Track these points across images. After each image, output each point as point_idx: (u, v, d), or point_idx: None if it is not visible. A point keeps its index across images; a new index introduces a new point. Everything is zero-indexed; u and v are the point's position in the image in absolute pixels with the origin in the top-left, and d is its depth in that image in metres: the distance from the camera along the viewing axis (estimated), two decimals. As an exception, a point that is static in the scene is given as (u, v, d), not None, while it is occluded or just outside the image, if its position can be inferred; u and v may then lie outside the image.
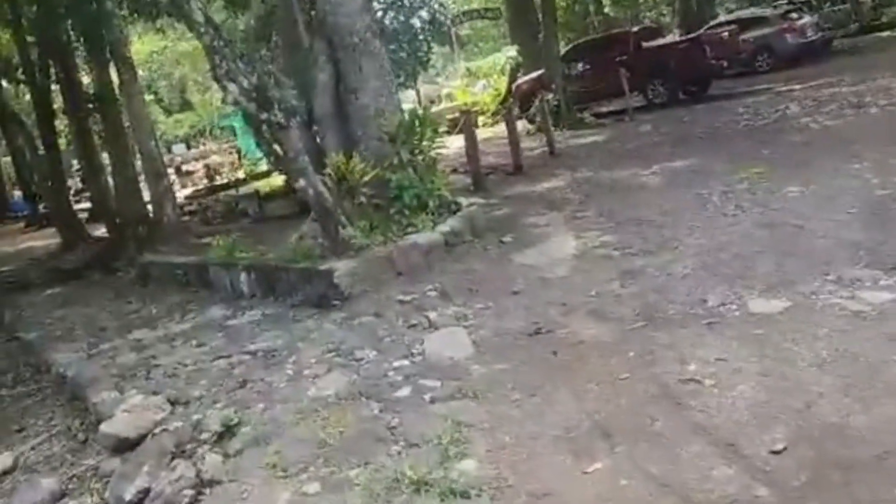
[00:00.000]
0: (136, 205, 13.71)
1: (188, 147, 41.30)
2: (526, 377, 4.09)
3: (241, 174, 22.02)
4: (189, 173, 28.77)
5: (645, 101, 18.09)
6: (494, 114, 22.17)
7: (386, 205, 7.23)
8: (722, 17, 23.40)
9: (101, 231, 17.21)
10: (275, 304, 6.87)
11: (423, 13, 33.48)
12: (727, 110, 14.60)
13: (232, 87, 6.17)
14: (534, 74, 19.60)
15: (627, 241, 6.58)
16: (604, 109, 18.88)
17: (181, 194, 21.22)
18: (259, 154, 30.12)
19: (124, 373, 5.78)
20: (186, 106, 46.48)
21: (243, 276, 7.52)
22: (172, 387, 5.17)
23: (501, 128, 20.25)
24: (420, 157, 7.49)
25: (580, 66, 19.09)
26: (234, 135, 37.38)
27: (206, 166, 21.43)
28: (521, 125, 17.32)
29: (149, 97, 34.48)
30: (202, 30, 6.09)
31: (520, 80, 20.42)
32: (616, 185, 9.43)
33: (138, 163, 14.26)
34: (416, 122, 7.55)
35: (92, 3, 10.48)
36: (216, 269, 8.06)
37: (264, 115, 6.22)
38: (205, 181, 23.93)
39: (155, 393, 5.07)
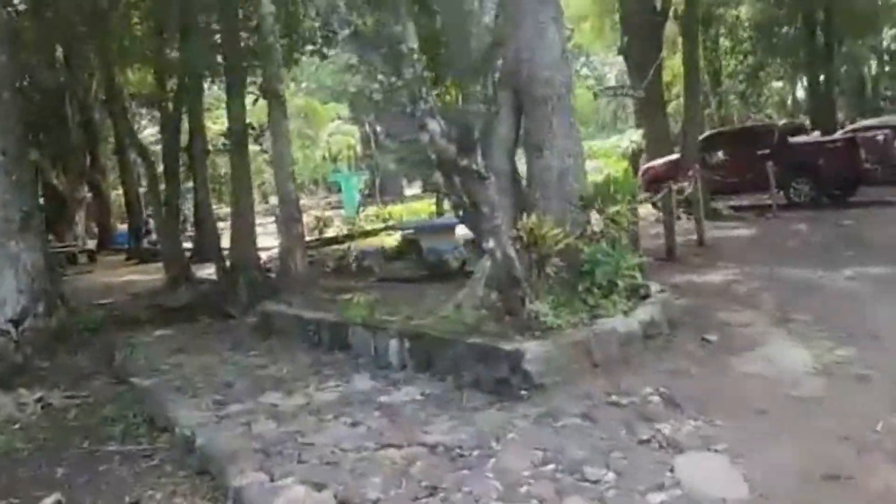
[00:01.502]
0: (250, 249, 13.06)
1: (284, 199, 41.63)
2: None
3: (346, 230, 21.48)
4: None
5: (786, 200, 16.80)
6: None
7: (572, 280, 6.17)
8: (867, 122, 21.92)
9: (205, 272, 16.76)
10: (433, 383, 5.82)
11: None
12: (893, 217, 13.28)
13: (433, 125, 5.30)
14: (667, 158, 18.56)
15: (877, 359, 5.32)
16: (740, 203, 17.66)
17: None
18: (362, 208, 29.96)
19: (268, 448, 4.78)
20: (289, 159, 47.16)
21: (393, 343, 6.52)
22: (335, 479, 4.12)
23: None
24: (615, 229, 6.45)
25: (719, 155, 17.96)
26: (339, 190, 37.53)
27: (317, 218, 20.95)
28: (646, 210, 16.24)
29: (255, 147, 35.21)
30: (415, 56, 5.28)
31: (649, 164, 19.40)
32: (810, 286, 8.15)
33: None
34: (613, 187, 6.55)
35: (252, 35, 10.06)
36: (359, 330, 7.09)
37: (465, 161, 5.29)
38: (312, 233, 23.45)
39: (316, 485, 4.04)
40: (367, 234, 19.34)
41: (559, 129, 6.97)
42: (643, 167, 19.67)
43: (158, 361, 8.06)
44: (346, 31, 7.08)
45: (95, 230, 31.09)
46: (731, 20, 30.09)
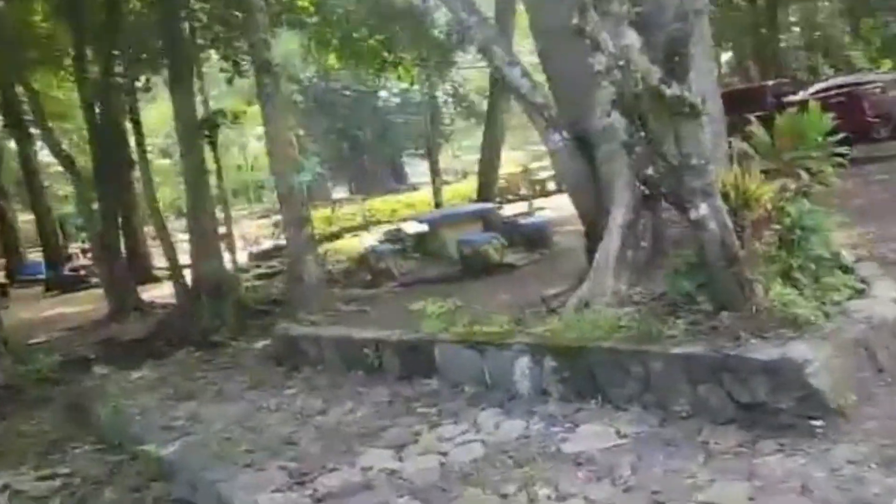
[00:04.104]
0: (220, 263, 10.98)
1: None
2: None
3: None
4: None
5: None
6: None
7: (777, 254, 4.48)
8: (838, 80, 21.26)
9: (149, 294, 14.42)
10: (615, 415, 4.04)
11: (447, 86, 31.84)
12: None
13: (631, 37, 3.52)
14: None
15: None
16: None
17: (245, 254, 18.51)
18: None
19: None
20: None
21: (523, 362, 4.70)
22: None
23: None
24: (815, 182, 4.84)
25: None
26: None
27: (275, 225, 18.75)
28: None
29: (165, 161, 31.95)
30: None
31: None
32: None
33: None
34: (804, 128, 4.93)
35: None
36: (452, 349, 5.23)
37: (673, 90, 3.54)
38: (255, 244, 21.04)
39: None
40: (335, 235, 17.26)
41: (694, 61, 5.28)
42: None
43: (160, 415, 5.98)
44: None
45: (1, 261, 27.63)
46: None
